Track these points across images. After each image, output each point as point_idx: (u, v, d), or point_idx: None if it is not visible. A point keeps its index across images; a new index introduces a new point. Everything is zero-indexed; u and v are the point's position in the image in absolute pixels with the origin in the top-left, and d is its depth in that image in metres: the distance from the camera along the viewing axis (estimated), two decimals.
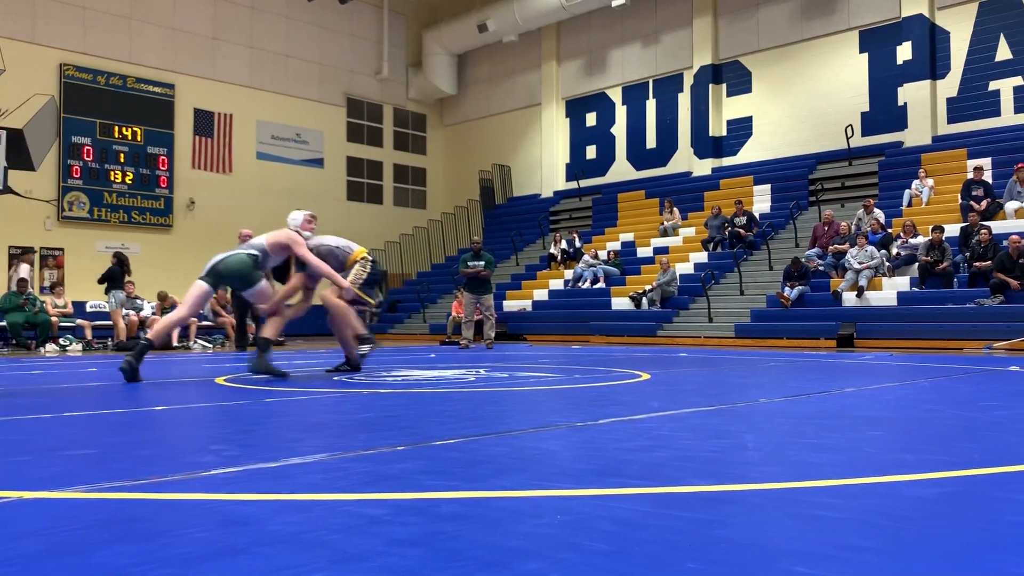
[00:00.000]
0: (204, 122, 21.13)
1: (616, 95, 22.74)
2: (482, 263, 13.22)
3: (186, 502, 2.10)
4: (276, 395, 5.23)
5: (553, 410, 4.44)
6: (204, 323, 15.85)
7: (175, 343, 14.30)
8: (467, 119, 26.11)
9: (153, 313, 14.70)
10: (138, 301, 14.82)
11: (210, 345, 14.85)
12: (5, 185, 15.65)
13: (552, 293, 18.57)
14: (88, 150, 19.03)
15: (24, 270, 15.09)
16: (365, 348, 7.05)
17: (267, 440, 3.30)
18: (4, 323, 13.52)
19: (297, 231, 6.81)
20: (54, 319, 14.05)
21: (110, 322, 14.44)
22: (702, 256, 17.32)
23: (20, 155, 17.92)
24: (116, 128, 19.46)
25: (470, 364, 8.48)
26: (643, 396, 5.02)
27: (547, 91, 24.03)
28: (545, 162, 24.15)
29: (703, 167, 20.67)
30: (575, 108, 23.69)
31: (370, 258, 7.11)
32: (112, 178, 19.37)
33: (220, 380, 6.47)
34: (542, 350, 12.50)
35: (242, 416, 4.26)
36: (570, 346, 14.16)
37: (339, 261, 6.99)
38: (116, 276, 14.23)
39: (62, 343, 13.75)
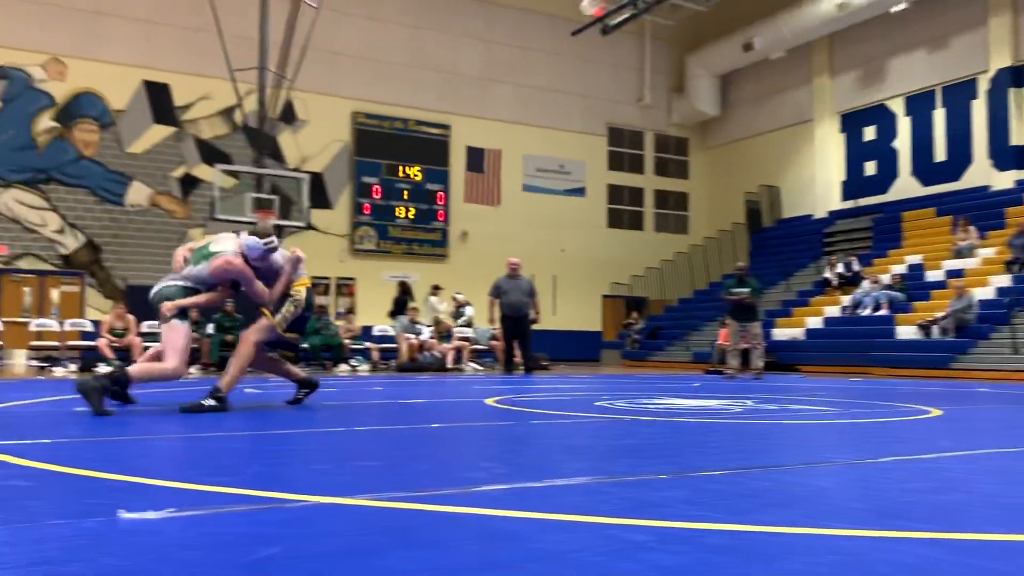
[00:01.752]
0: (476, 159, 22.48)
1: (897, 106, 21.11)
2: (747, 289, 12.76)
3: (459, 515, 2.22)
4: (541, 418, 5.39)
5: (827, 445, 4.17)
6: (477, 347, 16.73)
7: (449, 365, 15.24)
8: (731, 140, 25.49)
9: (431, 337, 15.77)
10: (418, 326, 15.98)
11: (481, 368, 15.64)
12: (308, 223, 17.70)
13: (828, 320, 17.50)
14: (376, 189, 20.97)
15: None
16: (208, 403, 5.38)
17: (533, 460, 3.41)
18: (305, 344, 15.17)
19: (244, 255, 5.64)
20: (346, 341, 15.53)
21: (394, 344, 15.72)
22: (1004, 279, 15.46)
23: (320, 195, 20.13)
24: (400, 168, 21.29)
25: (736, 395, 8.20)
26: (931, 434, 4.57)
27: (819, 106, 22.85)
28: (818, 181, 22.93)
29: (1004, 180, 18.53)
30: (851, 122, 22.29)
31: (302, 297, 5.87)
32: (396, 214, 21.17)
33: (490, 401, 6.78)
34: (816, 382, 11.80)
35: (510, 436, 4.44)
36: (848, 378, 13.24)
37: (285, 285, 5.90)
38: (403, 304, 15.56)
39: (352, 363, 15.16)
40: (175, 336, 5.39)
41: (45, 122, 17.80)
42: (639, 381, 11.23)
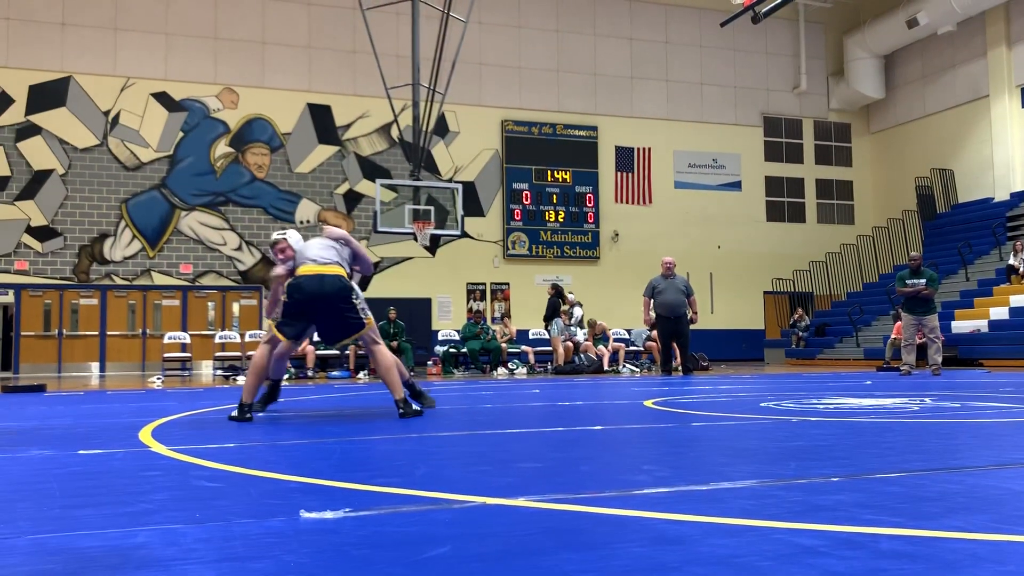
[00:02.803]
0: (625, 158, 22.32)
1: None
2: (922, 280, 11.99)
3: (622, 517, 2.21)
4: (703, 419, 5.28)
5: (1018, 445, 3.86)
6: (631, 348, 16.59)
7: (606, 367, 15.19)
8: (897, 123, 24.04)
9: (585, 339, 15.78)
10: (572, 328, 16.04)
11: (637, 370, 15.50)
12: (463, 230, 18.15)
13: (1014, 311, 16.16)
14: (527, 194, 21.22)
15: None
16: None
17: (696, 463, 3.35)
18: (465, 349, 15.56)
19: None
20: (503, 345, 15.80)
21: (550, 348, 15.85)
22: None
23: (473, 203, 20.59)
24: (549, 172, 21.45)
25: (913, 392, 7.73)
26: None
27: (996, 80, 21.17)
28: (997, 161, 21.24)
29: None
30: None
31: (296, 281, 5.39)
32: (547, 218, 21.34)
33: (649, 403, 6.71)
34: (1003, 377, 10.93)
35: (671, 438, 4.38)
36: None
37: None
38: (557, 307, 15.67)
39: (510, 367, 15.41)
40: None
41: (221, 148, 19.20)
42: (806, 380, 10.79)
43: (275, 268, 5.74)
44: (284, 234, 5.86)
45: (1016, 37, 20.81)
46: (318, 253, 5.55)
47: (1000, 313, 16.38)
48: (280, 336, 5.39)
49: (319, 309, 5.35)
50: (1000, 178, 21.17)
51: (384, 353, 5.57)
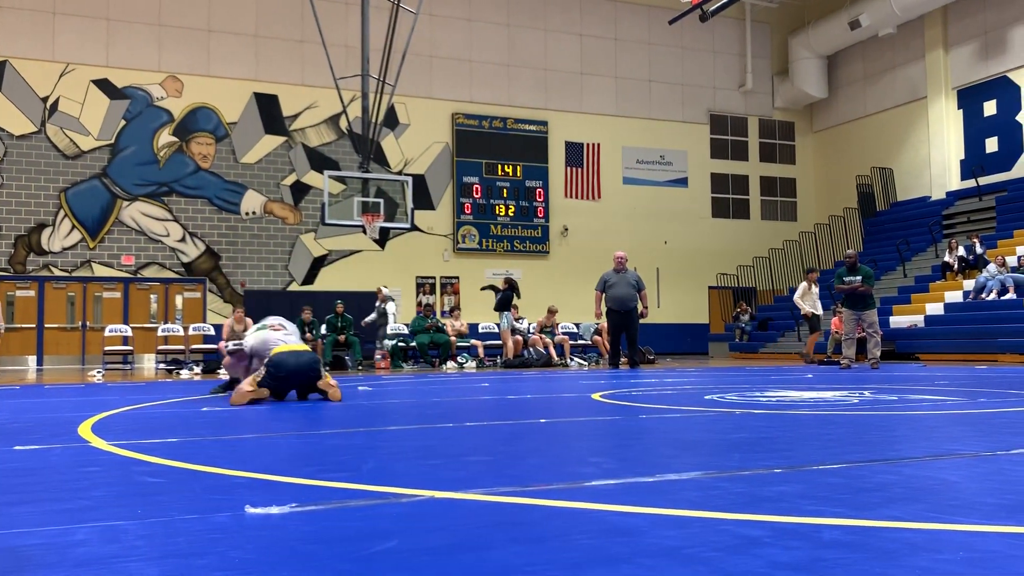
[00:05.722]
0: (575, 153, 22.43)
1: (1021, 78, 19.90)
2: (859, 277, 12.28)
3: (570, 510, 2.22)
4: (650, 412, 5.34)
5: (953, 437, 3.98)
6: (580, 342, 16.70)
7: (555, 360, 15.27)
8: (840, 122, 24.59)
9: (532, 334, 15.83)
10: (522, 322, 16.07)
11: (585, 363, 15.61)
12: (412, 224, 18.05)
13: (948, 307, 16.66)
14: (477, 188, 21.20)
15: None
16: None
17: (643, 455, 3.38)
18: (414, 343, 15.49)
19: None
20: (453, 339, 15.76)
21: (499, 341, 15.86)
22: None
23: (423, 197, 20.50)
24: (499, 166, 21.46)
25: (853, 385, 7.92)
26: None
27: (933, 82, 21.78)
28: (934, 160, 21.86)
29: None
30: (969, 97, 21.15)
31: (278, 358, 6.43)
32: (497, 212, 21.35)
33: (597, 396, 6.76)
34: (938, 370, 11.27)
35: (618, 431, 4.42)
36: (974, 366, 12.59)
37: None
38: (509, 300, 15.69)
39: (459, 361, 15.38)
40: None
41: (165, 137, 18.78)
42: (750, 373, 10.98)
43: (226, 359, 7.15)
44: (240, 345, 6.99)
45: (953, 41, 21.43)
46: (283, 336, 6.73)
47: (936, 309, 16.87)
48: (263, 392, 6.21)
49: (299, 379, 6.38)
50: (936, 177, 21.80)
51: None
